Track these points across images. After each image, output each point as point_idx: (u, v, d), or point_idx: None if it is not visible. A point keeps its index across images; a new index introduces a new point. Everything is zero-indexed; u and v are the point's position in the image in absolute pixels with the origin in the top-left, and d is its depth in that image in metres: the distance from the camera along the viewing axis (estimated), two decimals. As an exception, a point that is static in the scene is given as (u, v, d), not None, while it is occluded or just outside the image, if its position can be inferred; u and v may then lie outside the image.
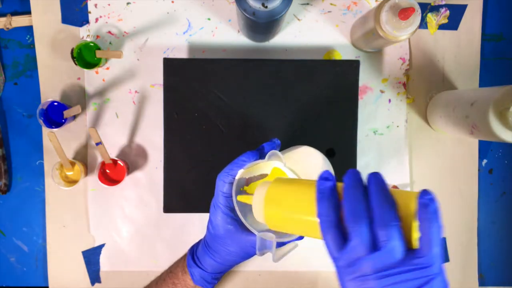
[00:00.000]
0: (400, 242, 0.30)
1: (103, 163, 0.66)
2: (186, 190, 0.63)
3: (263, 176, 0.48)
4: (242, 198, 0.44)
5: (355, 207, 0.32)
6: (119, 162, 0.66)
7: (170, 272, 0.55)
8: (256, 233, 0.43)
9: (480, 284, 0.71)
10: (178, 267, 0.54)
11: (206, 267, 0.51)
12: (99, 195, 0.69)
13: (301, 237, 0.45)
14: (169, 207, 0.63)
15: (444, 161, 0.70)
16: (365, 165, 0.69)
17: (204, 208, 0.62)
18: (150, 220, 0.69)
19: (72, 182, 0.67)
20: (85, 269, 0.70)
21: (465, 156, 0.70)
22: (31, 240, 0.71)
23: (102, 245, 0.70)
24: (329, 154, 0.62)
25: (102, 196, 0.69)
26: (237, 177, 0.45)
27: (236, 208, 0.44)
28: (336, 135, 0.62)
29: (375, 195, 0.32)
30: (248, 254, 0.48)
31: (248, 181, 0.47)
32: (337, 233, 0.32)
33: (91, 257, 0.69)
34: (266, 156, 0.44)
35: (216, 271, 0.51)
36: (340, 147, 0.62)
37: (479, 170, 0.70)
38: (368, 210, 0.31)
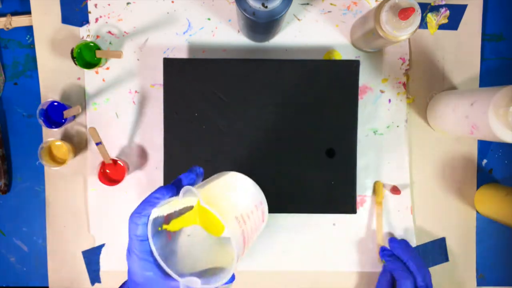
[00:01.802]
0: None
1: (103, 163, 0.66)
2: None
3: (186, 210, 0.42)
4: (175, 225, 0.40)
5: None
6: (119, 162, 0.66)
7: None
8: (178, 279, 0.38)
9: (481, 284, 0.71)
10: None
11: None
12: (99, 195, 0.69)
13: (232, 280, 0.40)
14: (169, 207, 0.63)
15: (444, 161, 0.70)
16: (365, 165, 0.69)
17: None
18: (150, 220, 0.69)
19: (60, 162, 0.68)
20: (85, 269, 0.70)
21: (465, 156, 0.70)
22: (31, 240, 0.71)
23: (102, 245, 0.70)
24: (329, 154, 0.62)
25: (102, 196, 0.69)
26: (151, 217, 0.39)
27: (155, 253, 0.38)
28: (336, 135, 0.62)
29: None
30: None
31: (169, 218, 0.41)
32: None
33: (91, 257, 0.69)
34: (180, 193, 0.39)
35: None
36: (340, 147, 0.62)
37: (479, 170, 0.70)
38: None
